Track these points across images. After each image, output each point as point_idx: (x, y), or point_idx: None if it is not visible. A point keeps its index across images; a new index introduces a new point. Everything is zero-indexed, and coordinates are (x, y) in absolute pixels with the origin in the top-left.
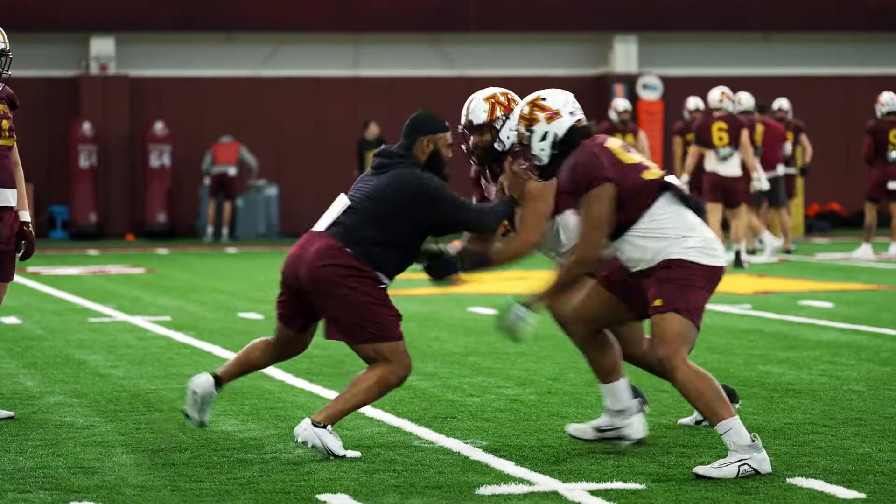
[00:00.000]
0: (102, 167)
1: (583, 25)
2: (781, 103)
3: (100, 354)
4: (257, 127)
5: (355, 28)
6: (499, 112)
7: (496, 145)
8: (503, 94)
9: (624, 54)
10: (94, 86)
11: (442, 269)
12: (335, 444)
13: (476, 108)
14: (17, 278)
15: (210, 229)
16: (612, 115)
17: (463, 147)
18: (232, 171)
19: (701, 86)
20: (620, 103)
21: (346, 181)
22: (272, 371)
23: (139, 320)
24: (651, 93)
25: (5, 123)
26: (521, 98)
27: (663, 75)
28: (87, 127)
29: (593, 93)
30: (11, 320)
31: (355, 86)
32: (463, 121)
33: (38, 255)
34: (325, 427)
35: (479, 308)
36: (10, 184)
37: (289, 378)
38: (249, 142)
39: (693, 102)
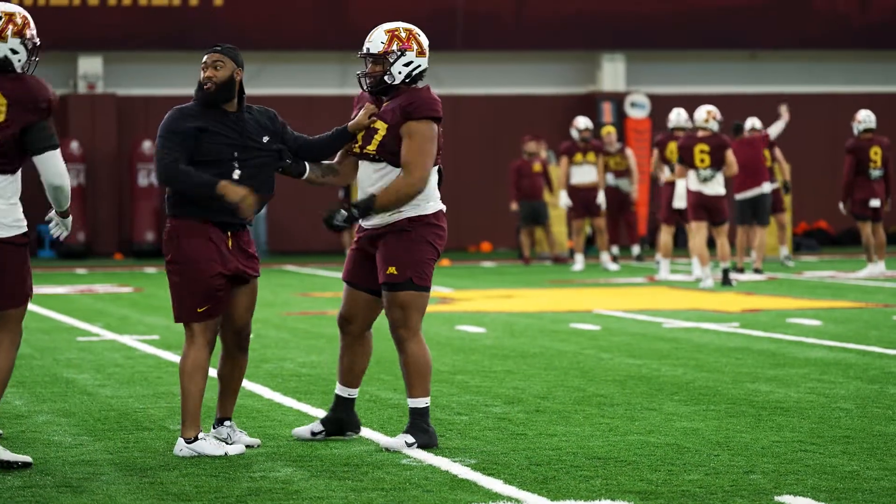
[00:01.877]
0: (90, 186)
1: (570, 44)
2: (754, 122)
3: (88, 373)
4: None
5: (342, 46)
6: (395, 46)
7: (386, 77)
8: (406, 29)
9: (612, 72)
10: (82, 104)
11: (332, 220)
12: (213, 448)
13: (375, 38)
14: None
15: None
16: (573, 133)
17: (357, 73)
18: None
19: (688, 103)
20: (581, 121)
21: (333, 199)
22: (260, 389)
23: (127, 339)
24: (639, 111)
25: None
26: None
27: (651, 93)
28: (74, 146)
29: (581, 111)
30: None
31: (343, 104)
32: (364, 47)
33: None
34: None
35: (467, 326)
36: None
37: (277, 396)
38: None
39: (675, 115)
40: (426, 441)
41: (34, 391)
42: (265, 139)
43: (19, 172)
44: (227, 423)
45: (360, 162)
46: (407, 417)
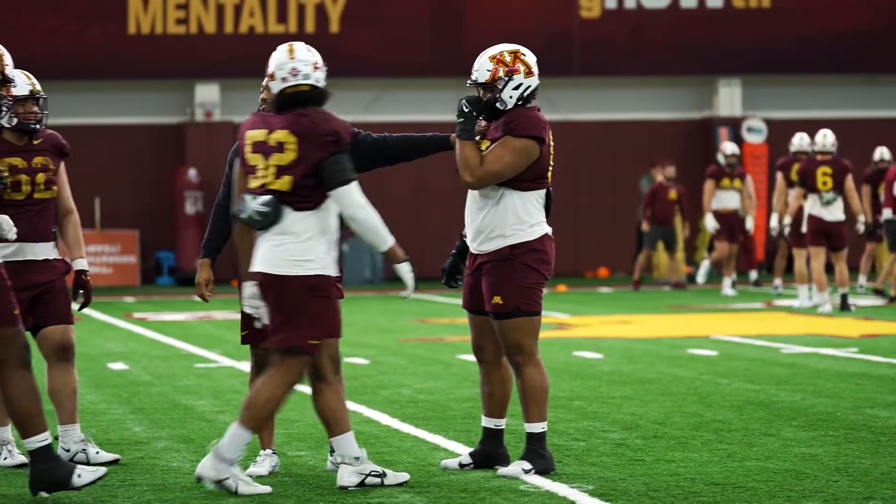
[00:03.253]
0: (208, 213)
1: (687, 69)
2: (883, 153)
3: (206, 399)
4: (361, 174)
5: (458, 72)
6: (501, 72)
7: (498, 104)
8: (511, 52)
9: (728, 98)
10: (200, 132)
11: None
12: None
13: (481, 66)
14: (123, 324)
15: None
16: (720, 159)
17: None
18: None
19: (805, 128)
20: (728, 147)
21: (448, 226)
22: (378, 416)
23: (245, 366)
24: (756, 136)
25: (41, 177)
26: (531, 55)
27: (768, 118)
28: (192, 173)
29: (698, 136)
30: (119, 366)
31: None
32: (472, 75)
33: (145, 301)
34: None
35: (585, 352)
36: (46, 237)
37: (394, 423)
38: None
39: (798, 139)
40: (543, 467)
41: (153, 417)
42: None
43: (323, 209)
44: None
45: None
46: (523, 444)
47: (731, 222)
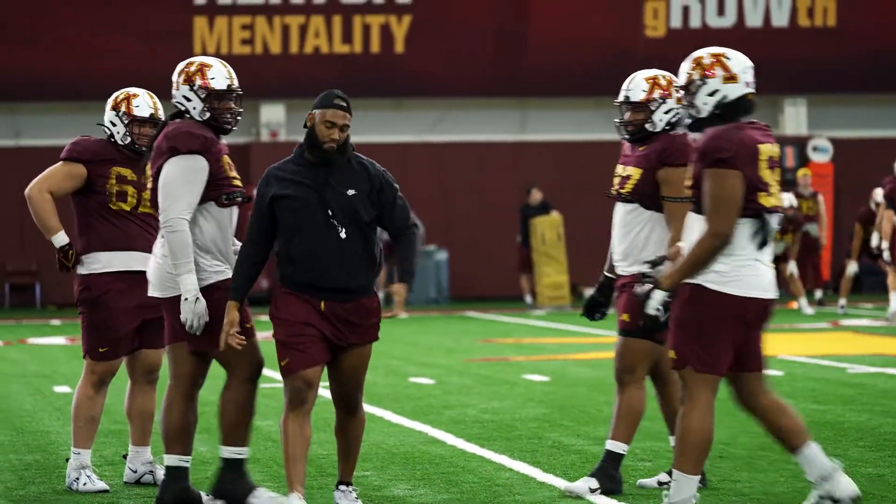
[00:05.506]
0: None
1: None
2: None
3: (272, 419)
4: (426, 192)
5: (520, 92)
6: (657, 94)
7: (647, 125)
8: (665, 77)
9: (794, 116)
10: (265, 152)
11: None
12: None
13: (635, 85)
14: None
15: (382, 294)
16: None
17: (615, 120)
18: None
19: (871, 148)
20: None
21: (514, 245)
22: (443, 436)
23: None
24: (821, 155)
25: (147, 193)
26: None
27: (833, 137)
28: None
29: None
30: None
31: (521, 151)
32: (621, 94)
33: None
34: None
35: None
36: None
37: (459, 443)
38: (418, 207)
39: None
40: (610, 486)
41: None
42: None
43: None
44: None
45: (616, 204)
46: (590, 463)
47: (803, 242)
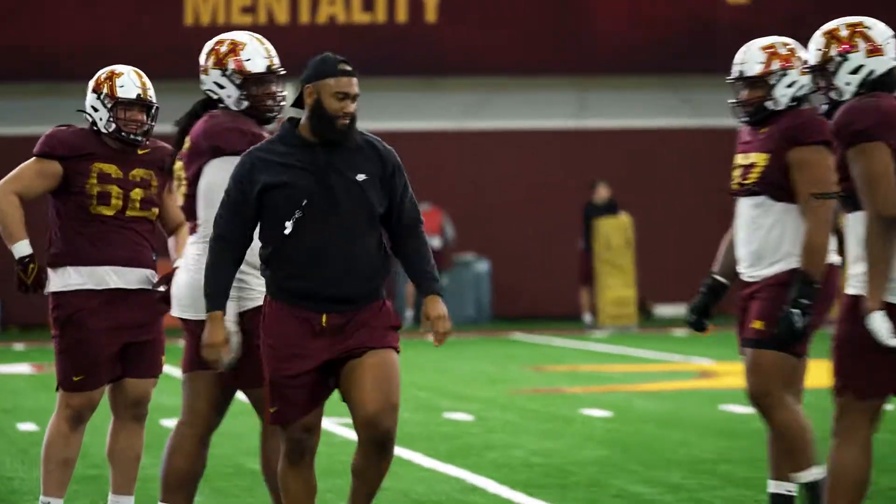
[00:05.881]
0: None
1: None
2: None
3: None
4: (463, 189)
5: (580, 69)
6: (776, 66)
7: (768, 103)
8: (785, 44)
9: None
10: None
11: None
12: None
13: (750, 58)
14: (178, 372)
15: (409, 313)
16: None
17: (730, 101)
18: (436, 242)
19: None
20: None
21: (576, 254)
22: (484, 482)
23: (326, 422)
24: None
25: (137, 193)
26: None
27: None
28: None
29: None
30: (173, 423)
31: (581, 139)
32: (734, 70)
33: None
34: None
35: (733, 406)
36: (146, 263)
37: (504, 491)
38: (452, 207)
39: None
40: None
41: (214, 485)
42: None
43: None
44: None
45: (738, 200)
46: None
47: None
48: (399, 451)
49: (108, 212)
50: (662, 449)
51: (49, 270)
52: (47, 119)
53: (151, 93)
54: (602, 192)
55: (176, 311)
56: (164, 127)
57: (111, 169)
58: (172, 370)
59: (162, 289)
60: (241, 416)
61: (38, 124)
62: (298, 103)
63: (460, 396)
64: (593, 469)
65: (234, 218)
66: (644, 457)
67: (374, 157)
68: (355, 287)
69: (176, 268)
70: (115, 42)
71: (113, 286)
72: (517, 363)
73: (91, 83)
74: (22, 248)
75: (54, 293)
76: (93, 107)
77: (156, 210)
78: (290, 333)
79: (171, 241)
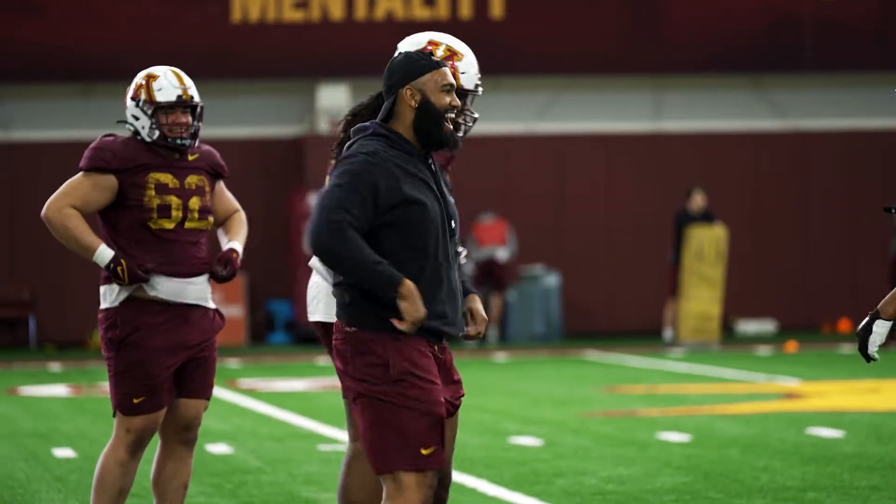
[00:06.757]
0: None
1: None
2: None
3: (334, 492)
4: (532, 196)
5: (658, 68)
6: None
7: None
8: None
9: None
10: (322, 147)
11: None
12: None
13: None
14: (226, 394)
15: (494, 332)
16: None
17: None
18: (501, 254)
19: None
20: None
21: (654, 266)
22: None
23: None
24: None
25: (195, 202)
26: None
27: None
28: (314, 200)
29: None
30: (221, 449)
31: (656, 143)
32: None
33: (255, 365)
34: None
35: (821, 429)
36: (204, 278)
37: None
38: (520, 216)
39: None
40: None
41: None
42: None
43: None
44: None
45: None
46: None
47: None
48: (462, 477)
49: (169, 224)
50: (745, 476)
51: (103, 287)
52: (76, 123)
53: (193, 91)
54: (698, 200)
55: (315, 317)
56: (213, 130)
57: (167, 178)
58: (222, 392)
59: (222, 272)
60: (290, 440)
61: (66, 128)
62: (386, 117)
63: (527, 419)
64: (670, 497)
65: (363, 215)
66: (725, 484)
67: (439, 172)
68: (458, 315)
69: (230, 249)
70: (153, 39)
71: (172, 302)
72: (589, 383)
73: (129, 91)
74: (104, 255)
75: (108, 310)
76: (133, 116)
77: (212, 219)
78: (427, 367)
79: (220, 231)
